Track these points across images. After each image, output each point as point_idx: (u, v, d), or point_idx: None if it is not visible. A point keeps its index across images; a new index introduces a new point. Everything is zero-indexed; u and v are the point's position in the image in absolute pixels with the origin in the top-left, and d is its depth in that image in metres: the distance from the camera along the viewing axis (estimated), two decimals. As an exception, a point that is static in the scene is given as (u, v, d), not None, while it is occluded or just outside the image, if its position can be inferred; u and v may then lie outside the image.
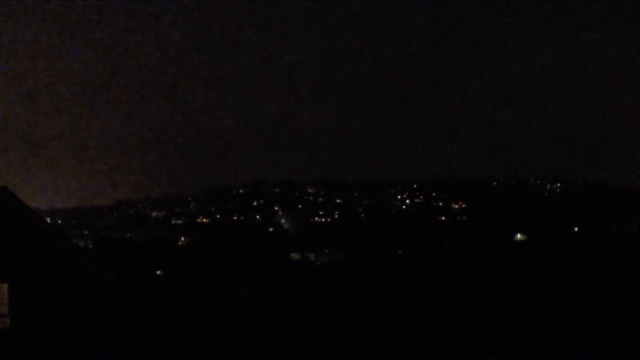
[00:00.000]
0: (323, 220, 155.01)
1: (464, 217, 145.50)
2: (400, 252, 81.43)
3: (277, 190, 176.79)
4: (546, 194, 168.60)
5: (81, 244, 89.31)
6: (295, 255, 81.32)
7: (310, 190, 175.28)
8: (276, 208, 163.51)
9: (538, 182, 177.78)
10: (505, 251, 66.84)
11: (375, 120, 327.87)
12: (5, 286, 18.63)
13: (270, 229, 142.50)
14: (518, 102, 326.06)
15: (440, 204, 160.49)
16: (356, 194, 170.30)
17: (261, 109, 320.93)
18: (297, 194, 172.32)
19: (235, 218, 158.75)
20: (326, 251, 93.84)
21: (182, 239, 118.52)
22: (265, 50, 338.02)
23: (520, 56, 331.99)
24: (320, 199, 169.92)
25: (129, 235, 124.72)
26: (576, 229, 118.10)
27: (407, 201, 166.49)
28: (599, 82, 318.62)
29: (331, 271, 51.50)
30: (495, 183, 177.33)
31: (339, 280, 40.34)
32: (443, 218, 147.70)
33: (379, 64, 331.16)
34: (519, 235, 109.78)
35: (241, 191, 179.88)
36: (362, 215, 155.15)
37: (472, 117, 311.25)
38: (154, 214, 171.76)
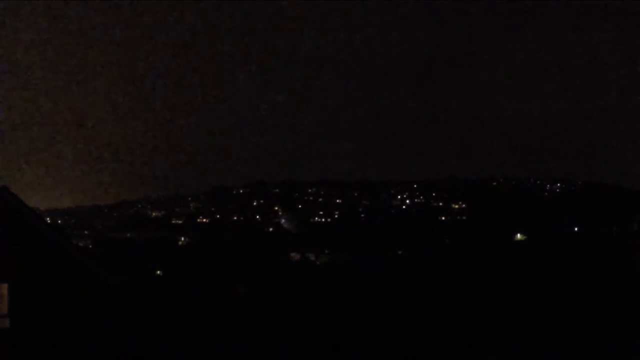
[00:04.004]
0: (323, 220, 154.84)
1: (464, 217, 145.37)
2: (400, 252, 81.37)
3: (277, 190, 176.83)
4: (546, 194, 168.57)
5: (81, 244, 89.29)
6: (295, 255, 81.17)
7: (310, 190, 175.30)
8: (276, 208, 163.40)
9: (538, 182, 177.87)
10: (505, 251, 66.80)
11: (376, 120, 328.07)
12: (5, 286, 18.61)
13: (270, 229, 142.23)
14: (518, 102, 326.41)
15: (440, 204, 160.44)
16: (356, 194, 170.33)
17: (261, 108, 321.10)
18: (297, 194, 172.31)
19: (235, 218, 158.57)
20: (326, 251, 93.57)
21: (182, 239, 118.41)
22: (265, 51, 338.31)
23: (521, 56, 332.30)
24: (320, 199, 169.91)
25: (129, 235, 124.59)
26: (576, 229, 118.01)
27: (407, 201, 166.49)
28: (599, 82, 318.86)
29: (331, 271, 51.49)
30: (495, 183, 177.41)
31: (339, 280, 40.35)
32: (443, 218, 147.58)
33: (380, 64, 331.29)
34: (519, 235, 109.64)
35: (241, 191, 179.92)
36: (362, 215, 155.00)
37: (472, 117, 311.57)
38: (154, 214, 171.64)
